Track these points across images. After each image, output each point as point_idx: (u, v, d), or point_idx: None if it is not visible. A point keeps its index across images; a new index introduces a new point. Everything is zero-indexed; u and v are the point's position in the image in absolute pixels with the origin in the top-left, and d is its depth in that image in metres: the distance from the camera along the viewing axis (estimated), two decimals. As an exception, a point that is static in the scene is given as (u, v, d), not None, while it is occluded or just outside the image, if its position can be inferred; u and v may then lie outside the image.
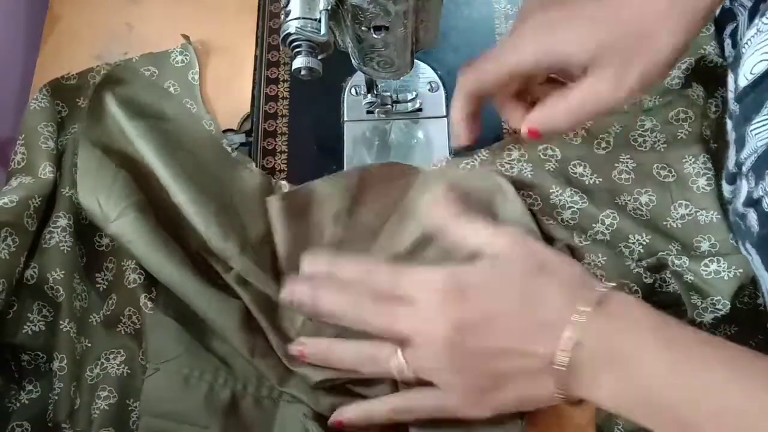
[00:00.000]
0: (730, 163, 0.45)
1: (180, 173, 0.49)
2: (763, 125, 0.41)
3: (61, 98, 0.56)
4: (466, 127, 0.48)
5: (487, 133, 0.54)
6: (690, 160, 0.51)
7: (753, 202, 0.42)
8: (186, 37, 0.59)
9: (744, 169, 0.43)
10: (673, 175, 0.51)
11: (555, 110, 0.44)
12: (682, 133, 0.52)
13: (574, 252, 0.47)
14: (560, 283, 0.39)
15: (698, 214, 0.49)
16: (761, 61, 0.42)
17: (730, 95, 0.45)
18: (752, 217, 0.42)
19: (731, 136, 0.46)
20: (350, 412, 0.43)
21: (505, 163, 0.52)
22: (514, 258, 0.41)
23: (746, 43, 0.43)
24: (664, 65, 0.40)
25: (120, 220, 0.48)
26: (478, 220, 0.43)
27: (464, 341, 0.39)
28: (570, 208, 0.49)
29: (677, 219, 0.49)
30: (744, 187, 0.43)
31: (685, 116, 0.52)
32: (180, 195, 0.49)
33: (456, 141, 0.50)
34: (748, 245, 0.44)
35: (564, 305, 0.38)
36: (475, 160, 0.53)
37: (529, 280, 0.40)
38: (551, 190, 0.50)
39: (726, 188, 0.47)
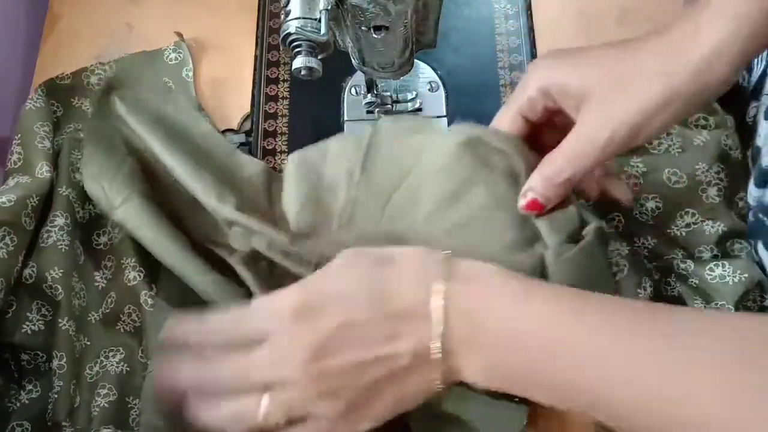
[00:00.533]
0: (765, 161, 0.44)
1: (186, 160, 0.49)
2: None
3: (55, 98, 0.56)
4: None
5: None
6: (703, 167, 0.50)
7: None
8: (179, 35, 0.60)
9: None
10: (684, 182, 0.50)
11: (549, 171, 0.41)
12: (699, 139, 0.51)
13: (603, 234, 0.44)
14: (405, 268, 0.38)
15: (704, 224, 0.48)
16: None
17: (765, 98, 0.44)
18: None
19: (765, 135, 0.44)
20: None
21: None
22: (353, 262, 0.39)
23: None
24: (667, 105, 0.38)
25: (124, 206, 0.48)
26: None
27: (325, 364, 0.36)
28: None
29: (682, 227, 0.49)
30: None
31: (705, 123, 0.51)
32: (185, 176, 0.49)
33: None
34: (761, 246, 0.43)
35: (417, 288, 0.37)
36: None
37: (371, 277, 0.38)
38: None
39: (753, 192, 0.46)
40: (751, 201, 0.47)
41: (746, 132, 0.50)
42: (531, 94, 0.42)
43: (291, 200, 0.47)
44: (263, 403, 0.37)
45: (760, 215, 0.45)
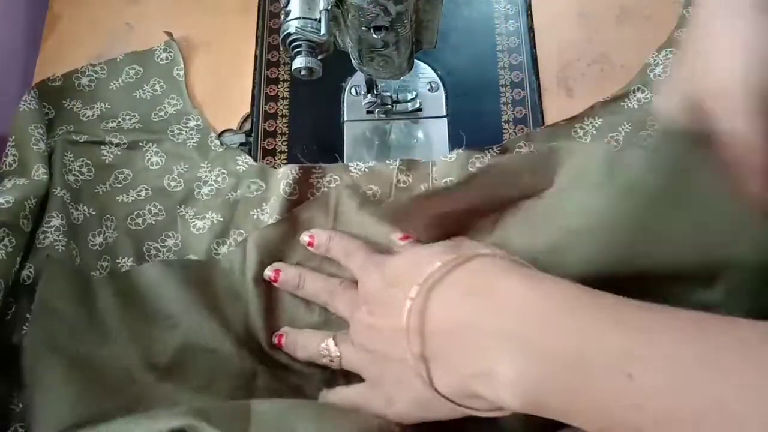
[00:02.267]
0: None
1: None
2: None
3: (47, 100, 0.57)
4: None
5: (488, 132, 0.55)
6: None
7: None
8: (169, 34, 0.60)
9: None
10: None
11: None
12: None
13: None
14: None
15: None
16: None
17: None
18: None
19: None
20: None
21: None
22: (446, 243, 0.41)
23: None
24: None
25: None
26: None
27: (372, 321, 0.39)
28: None
29: None
30: None
31: None
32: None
33: None
34: None
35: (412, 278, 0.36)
36: (485, 155, 0.53)
37: (434, 258, 0.37)
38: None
39: None
40: None
41: None
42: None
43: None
44: (328, 339, 0.43)
45: None
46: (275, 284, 0.48)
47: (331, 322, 0.47)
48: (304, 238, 0.49)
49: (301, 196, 0.52)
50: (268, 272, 0.48)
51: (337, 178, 0.53)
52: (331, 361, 0.43)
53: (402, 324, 0.35)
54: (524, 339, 0.31)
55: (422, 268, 0.36)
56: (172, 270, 0.49)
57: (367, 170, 0.53)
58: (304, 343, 0.45)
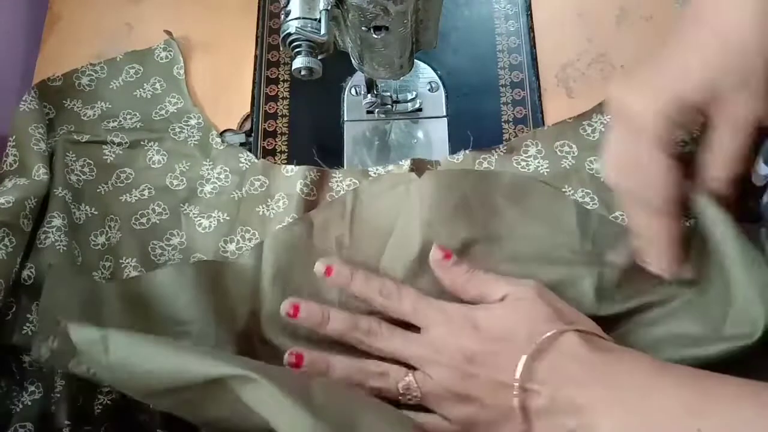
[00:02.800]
0: None
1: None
2: None
3: (47, 100, 0.57)
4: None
5: (488, 132, 0.55)
6: None
7: None
8: (169, 33, 0.60)
9: None
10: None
11: (715, 174, 0.40)
12: (697, 130, 0.51)
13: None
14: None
15: None
16: None
17: None
18: None
19: None
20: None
21: (521, 160, 0.52)
22: (535, 302, 0.42)
23: None
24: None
25: None
26: (491, 276, 0.44)
27: (475, 370, 0.40)
28: None
29: (692, 220, 0.49)
30: None
31: None
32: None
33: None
34: None
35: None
36: (492, 155, 0.53)
37: (539, 325, 0.40)
38: (563, 190, 0.50)
39: (761, 169, 0.44)
40: (759, 181, 0.45)
41: None
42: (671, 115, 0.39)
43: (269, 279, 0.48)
44: (409, 379, 0.42)
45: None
46: (293, 320, 0.45)
47: None
48: (319, 267, 0.46)
49: (319, 197, 0.52)
50: (285, 307, 0.45)
51: (357, 182, 0.52)
52: (410, 399, 0.43)
53: (512, 379, 0.39)
54: (623, 402, 0.37)
55: (534, 329, 0.40)
56: (184, 277, 0.48)
57: (385, 174, 0.53)
58: (381, 370, 0.43)
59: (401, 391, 0.42)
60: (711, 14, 0.39)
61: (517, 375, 0.39)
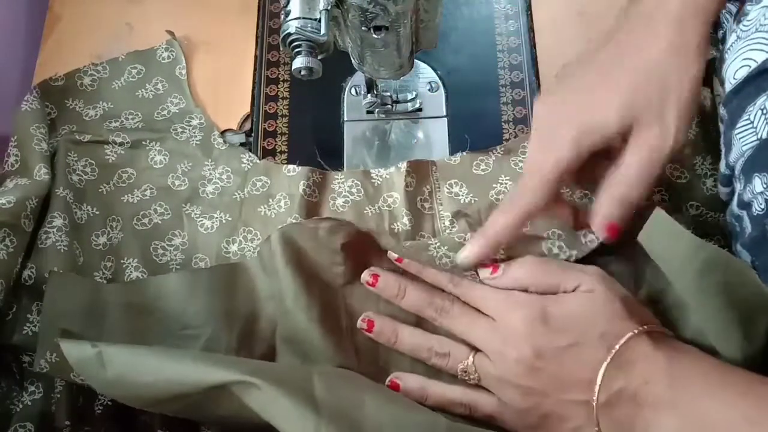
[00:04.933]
0: (722, 166, 0.46)
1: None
2: (746, 129, 0.42)
3: (49, 99, 0.57)
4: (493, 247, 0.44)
5: (488, 132, 0.55)
6: (698, 160, 0.50)
7: (745, 205, 0.42)
8: (171, 33, 0.60)
9: (736, 172, 0.43)
10: (686, 177, 0.50)
11: (623, 191, 0.42)
12: (691, 133, 0.51)
13: None
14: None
15: (708, 216, 0.49)
16: (742, 66, 0.42)
17: (718, 99, 0.46)
18: (746, 219, 0.42)
19: (722, 138, 0.46)
20: (411, 381, 0.44)
21: (520, 161, 0.52)
22: (606, 295, 0.41)
23: (728, 49, 0.44)
24: (694, 93, 0.41)
25: None
26: (554, 265, 0.44)
27: (540, 365, 0.40)
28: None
29: (687, 221, 0.49)
30: (737, 189, 0.43)
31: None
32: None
33: (475, 251, 0.44)
34: (738, 247, 0.44)
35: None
36: (491, 156, 0.53)
37: (612, 324, 0.40)
38: (562, 190, 0.50)
39: (721, 191, 0.47)
40: (722, 196, 0.47)
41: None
42: (572, 157, 0.41)
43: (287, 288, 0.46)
44: (468, 362, 0.42)
45: (732, 220, 0.45)
46: (372, 288, 0.45)
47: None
48: (366, 277, 0.46)
49: (320, 199, 0.52)
50: (366, 276, 0.46)
51: (358, 183, 0.52)
52: (468, 380, 0.43)
53: (580, 378, 0.39)
54: (685, 404, 0.37)
55: (608, 329, 0.40)
56: (199, 283, 0.47)
57: (388, 177, 0.53)
58: (443, 350, 0.44)
59: (460, 373, 0.43)
60: (633, 49, 0.42)
61: (598, 382, 0.38)
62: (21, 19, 0.63)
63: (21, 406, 0.45)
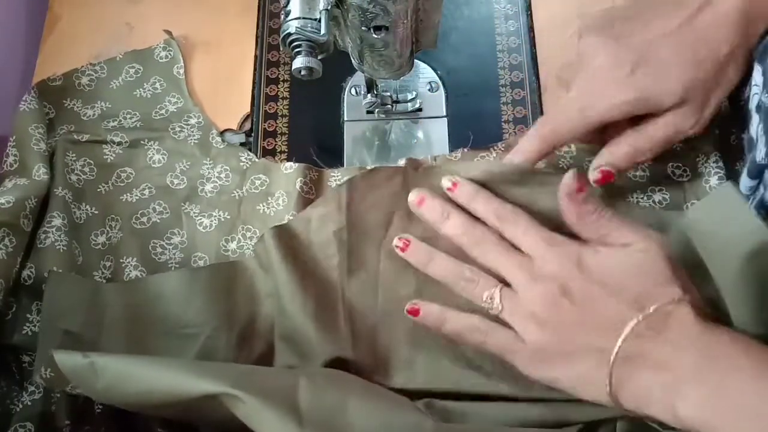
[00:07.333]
0: (759, 155, 0.44)
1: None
2: None
3: (47, 99, 0.57)
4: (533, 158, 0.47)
5: (488, 132, 0.55)
6: (702, 159, 0.50)
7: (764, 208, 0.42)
8: (169, 33, 0.60)
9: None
10: (688, 175, 0.50)
11: (635, 147, 0.45)
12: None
13: None
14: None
15: None
16: None
17: (756, 89, 0.45)
18: None
19: (759, 128, 0.45)
20: (430, 306, 0.44)
21: None
22: (656, 259, 0.41)
23: None
24: (731, 89, 0.45)
25: None
26: (617, 220, 0.43)
27: (562, 302, 0.40)
28: None
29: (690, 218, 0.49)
30: (760, 192, 0.43)
31: None
32: None
33: (519, 155, 0.47)
34: None
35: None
36: (491, 154, 0.53)
37: (653, 287, 0.40)
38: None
39: (745, 182, 0.46)
40: (744, 189, 0.47)
41: (741, 112, 0.50)
42: (616, 115, 0.45)
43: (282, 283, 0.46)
44: (495, 291, 0.43)
45: (761, 211, 0.44)
46: (420, 208, 0.46)
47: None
48: (446, 182, 0.46)
49: (318, 195, 0.52)
50: (413, 197, 0.46)
51: None
52: (491, 310, 0.43)
53: (611, 326, 0.39)
54: (715, 376, 0.36)
55: (646, 291, 0.39)
56: (198, 282, 0.48)
57: (380, 167, 0.52)
58: (473, 277, 0.44)
59: (484, 299, 0.43)
60: (702, 33, 0.44)
61: (623, 334, 0.38)
62: (21, 19, 0.63)
63: (21, 405, 0.45)
